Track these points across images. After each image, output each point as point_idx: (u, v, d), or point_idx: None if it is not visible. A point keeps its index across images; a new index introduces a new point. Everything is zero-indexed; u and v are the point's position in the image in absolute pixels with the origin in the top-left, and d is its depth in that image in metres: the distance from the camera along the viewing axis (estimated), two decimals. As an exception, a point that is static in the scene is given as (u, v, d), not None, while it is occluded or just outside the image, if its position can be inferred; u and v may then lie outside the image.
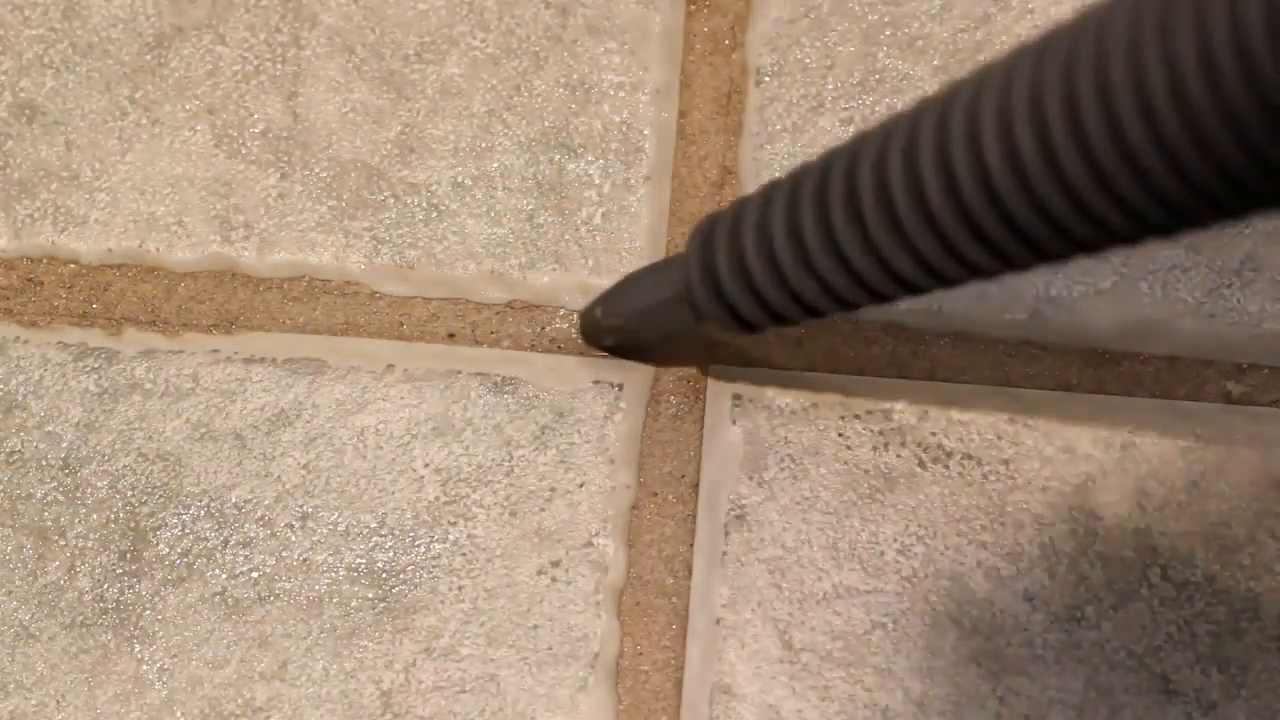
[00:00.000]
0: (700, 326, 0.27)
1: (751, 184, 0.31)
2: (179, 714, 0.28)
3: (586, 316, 0.30)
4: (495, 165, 0.31)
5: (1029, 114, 0.19)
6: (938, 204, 0.21)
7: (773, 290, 0.24)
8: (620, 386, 0.30)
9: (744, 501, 0.29)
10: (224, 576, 0.29)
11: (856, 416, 0.30)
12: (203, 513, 0.29)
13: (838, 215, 0.22)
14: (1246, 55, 0.16)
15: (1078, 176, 0.19)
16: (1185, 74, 0.17)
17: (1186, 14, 0.17)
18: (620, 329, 0.29)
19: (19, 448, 0.29)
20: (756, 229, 0.24)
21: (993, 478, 0.30)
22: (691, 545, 0.30)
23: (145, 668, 0.28)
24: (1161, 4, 0.17)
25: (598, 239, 0.31)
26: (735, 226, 0.25)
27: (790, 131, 0.31)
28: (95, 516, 0.29)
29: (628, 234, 0.31)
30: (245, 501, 0.29)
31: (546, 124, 0.31)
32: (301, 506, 0.29)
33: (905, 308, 0.30)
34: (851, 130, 0.31)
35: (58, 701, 0.28)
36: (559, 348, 0.31)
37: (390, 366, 0.30)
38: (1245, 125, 0.17)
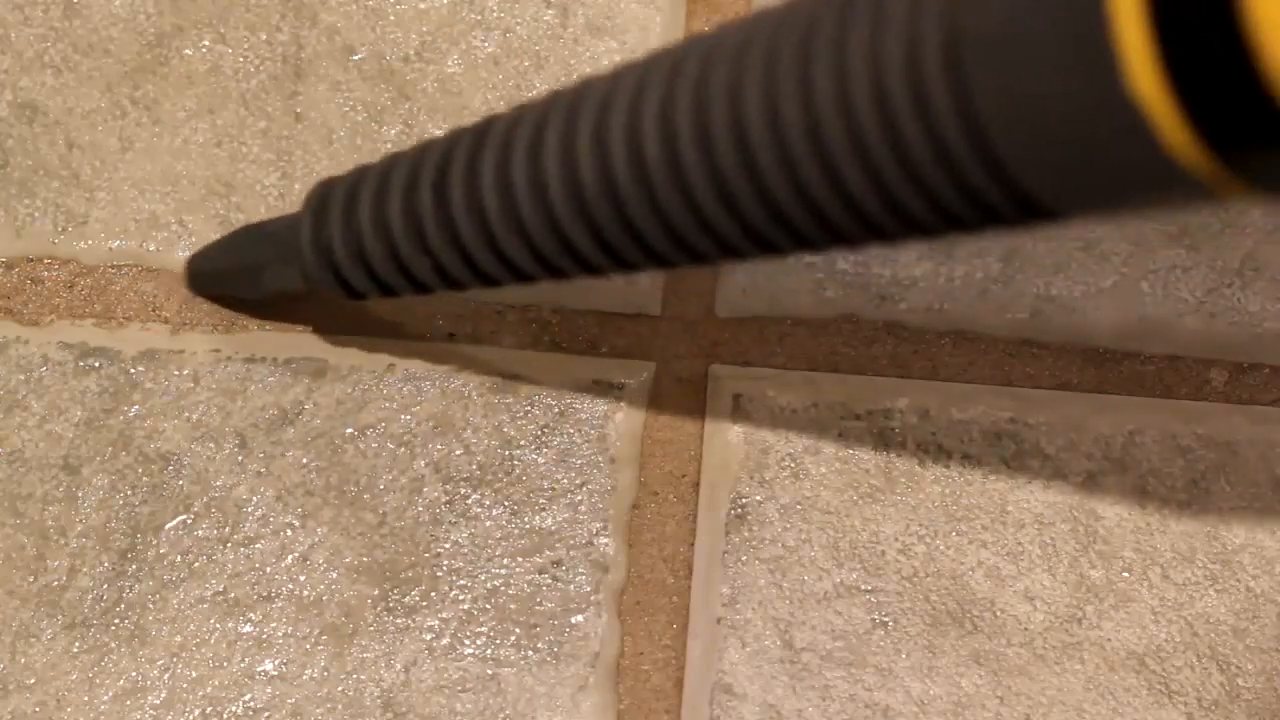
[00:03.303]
0: (310, 289, 0.26)
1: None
2: (179, 714, 0.28)
3: (191, 265, 0.29)
4: (496, 165, 0.31)
5: (658, 128, 0.19)
6: (559, 203, 0.21)
7: (385, 265, 0.24)
8: (621, 386, 0.30)
9: (744, 501, 0.29)
10: (224, 576, 0.29)
11: (857, 416, 0.30)
12: (203, 513, 0.29)
13: (456, 200, 0.22)
14: (919, 81, 0.16)
15: (735, 196, 0.19)
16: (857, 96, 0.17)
17: (861, 36, 0.17)
18: (218, 283, 0.29)
19: (19, 447, 0.29)
20: (373, 203, 0.24)
21: (993, 477, 0.30)
22: (692, 545, 0.30)
23: (145, 668, 0.28)
24: (836, 23, 0.17)
25: (598, 239, 0.31)
26: (351, 196, 0.24)
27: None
28: (95, 516, 0.29)
29: (628, 234, 0.31)
30: (245, 501, 0.29)
31: (547, 124, 0.31)
32: (301, 506, 0.29)
33: (905, 307, 0.30)
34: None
35: (58, 701, 0.28)
36: (559, 348, 0.31)
37: (391, 366, 0.30)
38: (911, 151, 0.17)
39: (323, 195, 0.25)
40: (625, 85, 0.20)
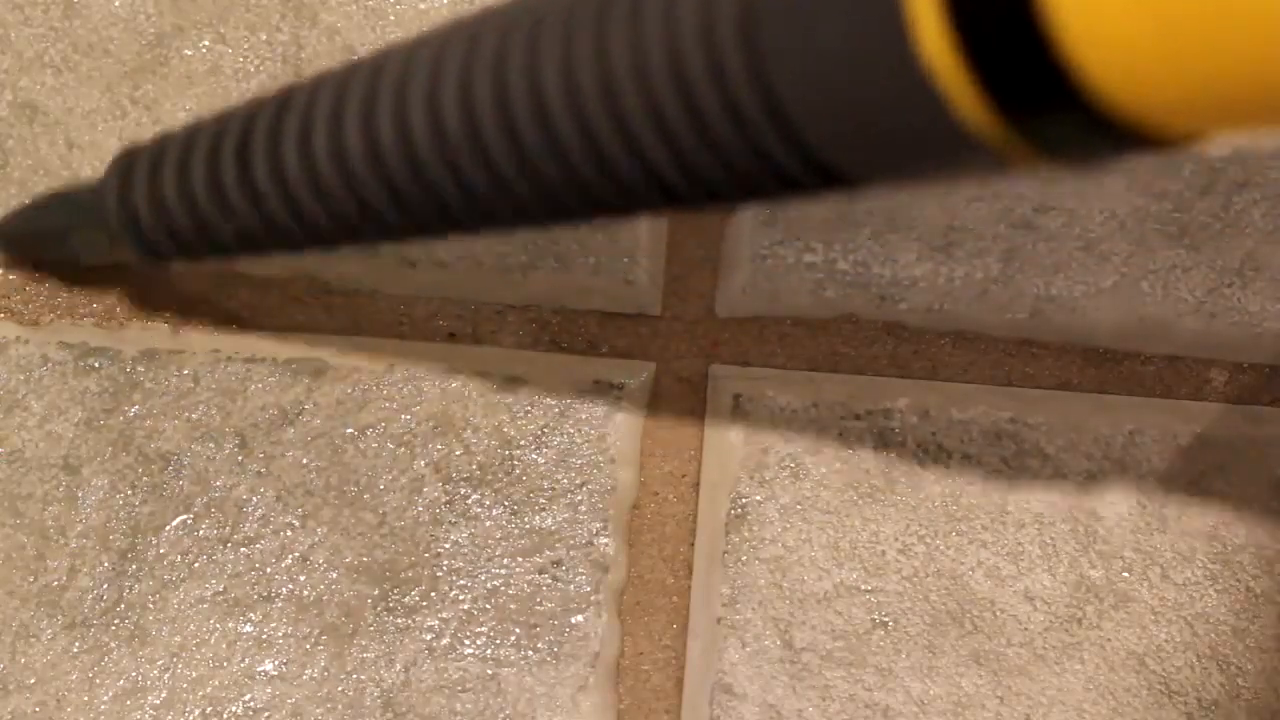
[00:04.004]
0: (116, 255, 0.26)
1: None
2: (179, 714, 0.28)
3: None
4: (496, 165, 0.31)
5: (458, 96, 0.19)
6: (359, 169, 0.21)
7: (188, 227, 0.24)
8: (621, 386, 0.30)
9: (744, 501, 0.29)
10: (224, 576, 0.29)
11: (856, 416, 0.30)
12: (203, 513, 0.29)
13: (259, 165, 0.22)
14: (715, 48, 0.16)
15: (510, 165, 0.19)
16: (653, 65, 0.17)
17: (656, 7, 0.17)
18: (26, 247, 0.29)
19: (19, 447, 0.29)
20: (177, 169, 0.24)
21: (993, 477, 0.30)
22: (692, 545, 0.30)
23: (145, 668, 0.28)
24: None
25: (599, 237, 0.31)
26: (156, 161, 0.24)
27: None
28: (95, 516, 0.29)
29: (629, 231, 0.31)
30: (245, 501, 0.29)
31: (547, 124, 0.31)
32: (301, 506, 0.29)
33: (905, 307, 0.30)
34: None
35: (58, 701, 0.28)
36: (559, 348, 0.31)
37: (391, 366, 0.30)
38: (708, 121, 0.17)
39: (128, 160, 0.25)
40: (425, 52, 0.20)
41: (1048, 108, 0.14)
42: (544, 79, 0.18)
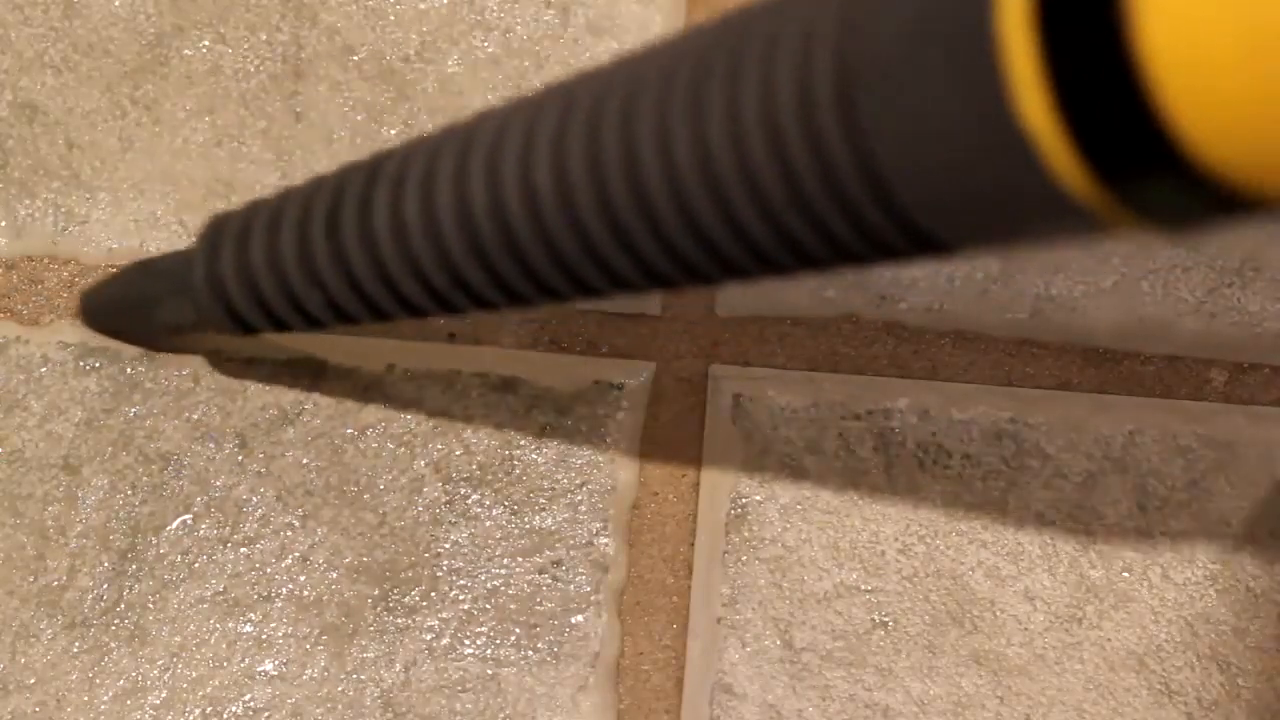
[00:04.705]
0: (203, 324, 0.26)
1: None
2: (179, 714, 0.28)
3: (84, 300, 0.29)
4: (496, 165, 0.31)
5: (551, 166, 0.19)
6: (451, 237, 0.21)
7: (278, 299, 0.24)
8: (621, 386, 0.30)
9: (744, 501, 0.29)
10: (224, 576, 0.29)
11: (856, 416, 0.30)
12: (203, 513, 0.29)
13: (349, 234, 0.22)
14: (811, 116, 0.16)
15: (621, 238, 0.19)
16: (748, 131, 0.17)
17: (755, 73, 0.17)
18: (112, 318, 0.29)
19: (19, 447, 0.29)
20: (266, 238, 0.24)
21: (993, 477, 0.30)
22: (692, 544, 0.30)
23: (145, 668, 0.28)
24: (729, 67, 0.17)
25: (598, 239, 0.31)
26: (245, 231, 0.24)
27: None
28: (95, 516, 0.29)
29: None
30: (245, 501, 0.29)
31: (547, 124, 0.31)
32: (301, 506, 0.29)
33: (905, 307, 0.30)
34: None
35: (58, 701, 0.28)
36: (559, 348, 0.31)
37: (391, 366, 0.30)
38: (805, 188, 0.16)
39: (216, 229, 0.25)
40: (519, 118, 0.20)
41: (1149, 172, 0.13)
42: (639, 146, 0.18)
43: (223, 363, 0.30)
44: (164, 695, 0.28)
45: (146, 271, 0.28)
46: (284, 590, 0.29)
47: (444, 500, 0.29)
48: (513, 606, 0.29)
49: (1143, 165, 0.13)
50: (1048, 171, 0.14)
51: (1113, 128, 0.13)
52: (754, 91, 0.17)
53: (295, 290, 0.23)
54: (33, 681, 0.28)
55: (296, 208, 0.23)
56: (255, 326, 0.25)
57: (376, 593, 0.29)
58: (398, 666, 0.28)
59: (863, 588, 0.29)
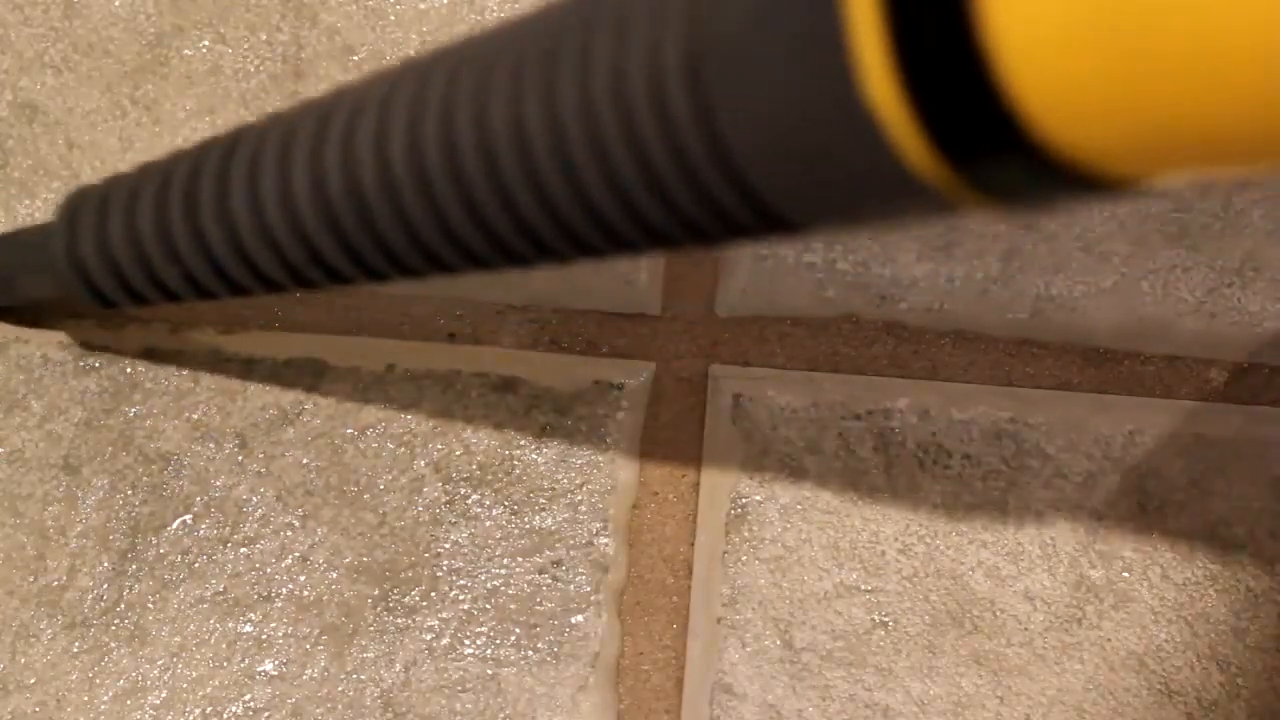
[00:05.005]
0: (63, 296, 0.26)
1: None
2: (179, 714, 0.28)
3: None
4: (496, 165, 0.31)
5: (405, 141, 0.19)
6: (306, 212, 0.21)
7: (136, 273, 0.24)
8: (621, 386, 0.30)
9: (744, 501, 0.29)
10: (224, 576, 0.29)
11: (856, 416, 0.30)
12: (203, 513, 0.29)
13: (206, 210, 0.22)
14: (661, 94, 0.16)
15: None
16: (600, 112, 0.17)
17: (604, 54, 0.17)
18: None
19: (20, 447, 0.29)
20: (124, 214, 0.24)
21: (993, 477, 0.30)
22: (692, 545, 0.30)
23: (145, 668, 0.28)
24: (579, 46, 0.17)
25: (598, 239, 0.31)
26: (103, 205, 0.24)
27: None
28: (95, 516, 0.29)
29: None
30: (245, 501, 0.29)
31: (547, 124, 0.31)
32: (301, 506, 0.29)
33: (905, 307, 0.30)
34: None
35: (58, 701, 0.28)
36: (559, 348, 0.31)
37: (391, 366, 0.30)
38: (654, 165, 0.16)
39: (75, 203, 0.25)
40: (373, 95, 0.20)
41: (994, 153, 0.14)
42: (492, 124, 0.18)
43: (223, 363, 0.30)
44: (164, 695, 0.28)
45: (7, 244, 0.28)
46: (284, 590, 0.29)
47: (444, 500, 0.29)
48: (513, 606, 0.29)
49: (990, 147, 0.14)
50: (895, 154, 0.14)
51: (960, 110, 0.13)
52: (604, 71, 0.17)
53: (153, 265, 0.23)
54: (33, 681, 0.28)
55: (154, 183, 0.23)
56: (113, 300, 0.25)
57: (376, 593, 0.29)
58: (398, 666, 0.28)
59: (863, 588, 0.29)
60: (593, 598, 0.29)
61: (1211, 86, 0.12)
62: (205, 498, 0.29)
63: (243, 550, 0.29)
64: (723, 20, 0.15)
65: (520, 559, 0.29)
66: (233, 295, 0.24)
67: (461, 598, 0.29)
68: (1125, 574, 0.29)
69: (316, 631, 0.28)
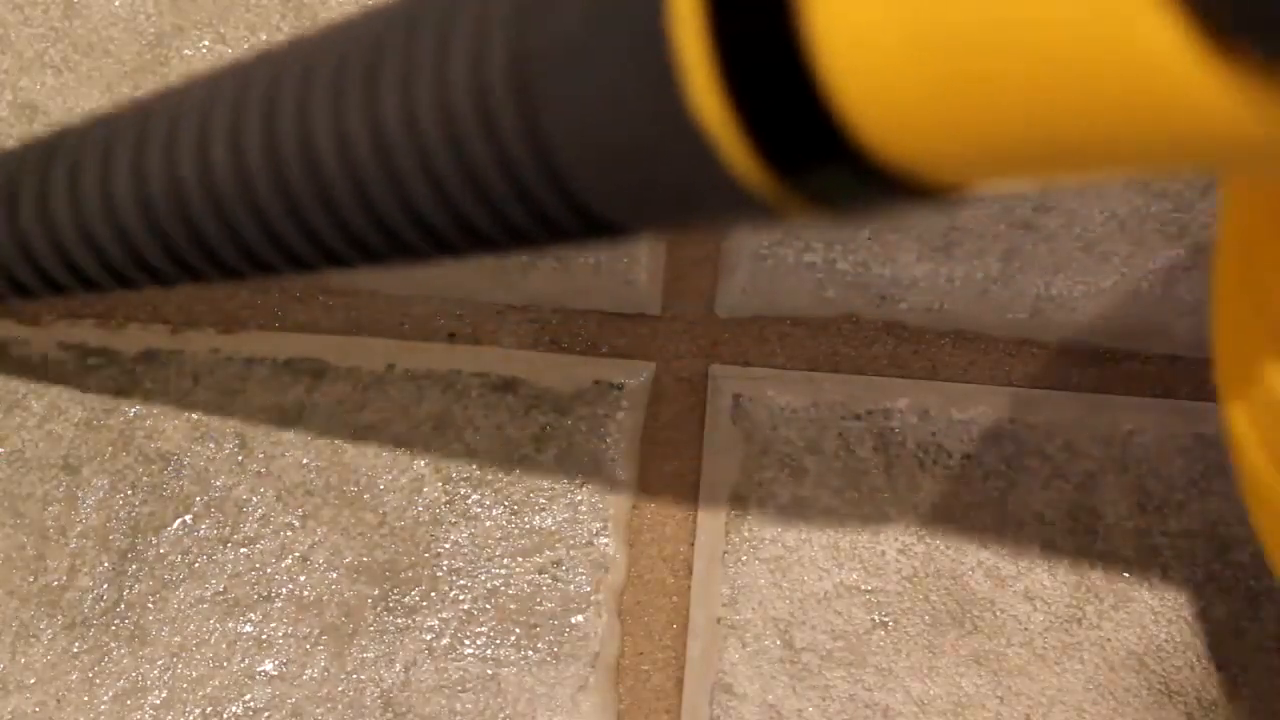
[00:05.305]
0: None
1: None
2: (179, 714, 0.28)
3: None
4: (496, 165, 0.31)
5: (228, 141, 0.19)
6: (127, 213, 0.20)
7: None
8: (621, 386, 0.30)
9: (744, 501, 0.29)
10: (224, 576, 0.29)
11: (856, 416, 0.30)
12: (203, 513, 0.29)
13: (27, 211, 0.22)
14: (486, 100, 0.16)
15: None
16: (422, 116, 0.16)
17: (429, 59, 0.16)
18: None
19: (20, 447, 0.29)
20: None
21: (993, 477, 0.30)
22: (692, 544, 0.30)
23: (145, 668, 0.28)
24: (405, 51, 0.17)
25: (598, 239, 0.31)
26: None
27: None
28: (95, 516, 0.29)
29: (628, 234, 0.31)
30: (245, 501, 0.29)
31: (547, 124, 0.31)
32: (301, 506, 0.29)
33: (905, 307, 0.30)
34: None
35: (58, 701, 0.28)
36: (559, 348, 0.31)
37: (391, 366, 0.30)
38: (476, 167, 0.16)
39: None
40: (196, 97, 0.20)
41: (822, 164, 0.14)
42: (314, 129, 0.18)
43: (223, 363, 0.30)
44: (164, 695, 0.28)
45: None
46: (284, 590, 0.29)
47: (444, 500, 0.29)
48: (513, 606, 0.29)
49: (815, 158, 0.14)
50: (721, 163, 0.14)
51: (783, 118, 0.13)
52: (428, 75, 0.16)
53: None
54: (33, 681, 0.28)
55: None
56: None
57: (376, 593, 0.29)
58: (398, 666, 0.28)
59: (863, 588, 0.29)
60: (592, 598, 0.29)
61: (1025, 98, 0.12)
62: (205, 498, 0.29)
63: (243, 550, 0.29)
64: (550, 26, 0.15)
65: (520, 559, 0.29)
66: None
67: (461, 598, 0.29)
68: (1125, 574, 0.29)
69: (316, 631, 0.28)
